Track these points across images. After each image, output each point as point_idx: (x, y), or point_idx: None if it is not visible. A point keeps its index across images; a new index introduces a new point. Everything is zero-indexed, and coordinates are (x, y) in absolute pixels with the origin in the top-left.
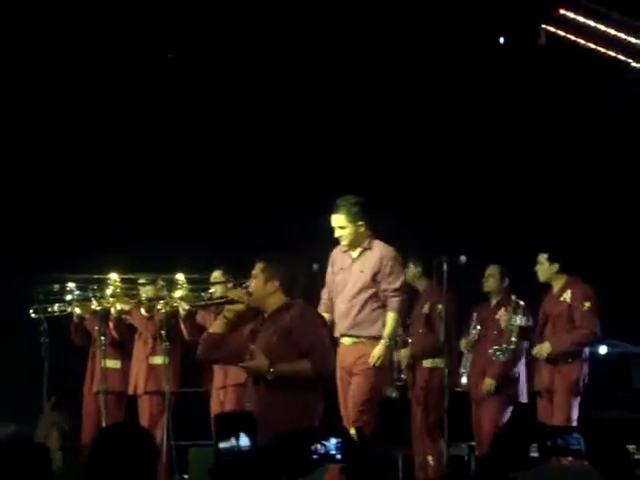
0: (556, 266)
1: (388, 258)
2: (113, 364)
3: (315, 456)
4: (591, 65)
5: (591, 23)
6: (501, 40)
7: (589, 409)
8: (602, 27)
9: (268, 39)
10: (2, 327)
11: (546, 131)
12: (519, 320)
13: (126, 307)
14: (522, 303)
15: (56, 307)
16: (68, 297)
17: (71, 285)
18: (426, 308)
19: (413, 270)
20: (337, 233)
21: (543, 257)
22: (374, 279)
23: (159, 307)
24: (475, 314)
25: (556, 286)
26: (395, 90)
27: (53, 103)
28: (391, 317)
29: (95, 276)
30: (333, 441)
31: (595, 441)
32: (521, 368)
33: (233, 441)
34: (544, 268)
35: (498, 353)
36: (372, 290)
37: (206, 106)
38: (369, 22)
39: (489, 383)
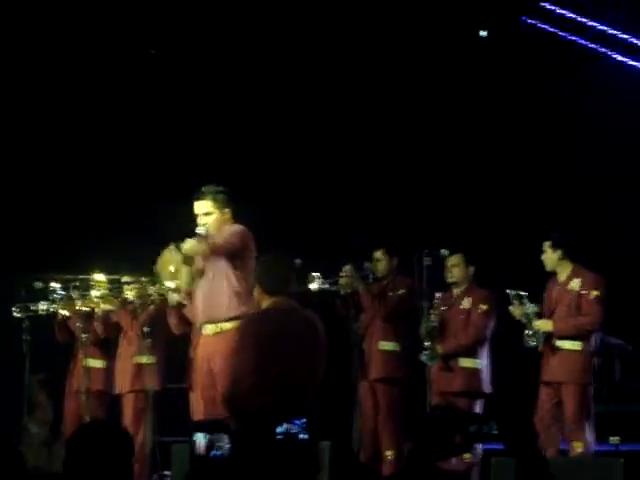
0: (559, 253)
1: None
2: (95, 363)
3: (280, 436)
4: (571, 57)
5: (571, 15)
6: (482, 33)
7: None
8: (582, 19)
9: None
10: None
11: (525, 122)
12: (531, 307)
13: (112, 307)
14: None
15: (40, 306)
16: (52, 297)
17: (54, 285)
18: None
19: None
20: (202, 220)
21: (547, 245)
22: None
23: (149, 302)
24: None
25: (563, 274)
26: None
27: (35, 104)
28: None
29: (80, 276)
30: (298, 421)
31: (508, 427)
32: (485, 360)
33: (210, 447)
34: (549, 256)
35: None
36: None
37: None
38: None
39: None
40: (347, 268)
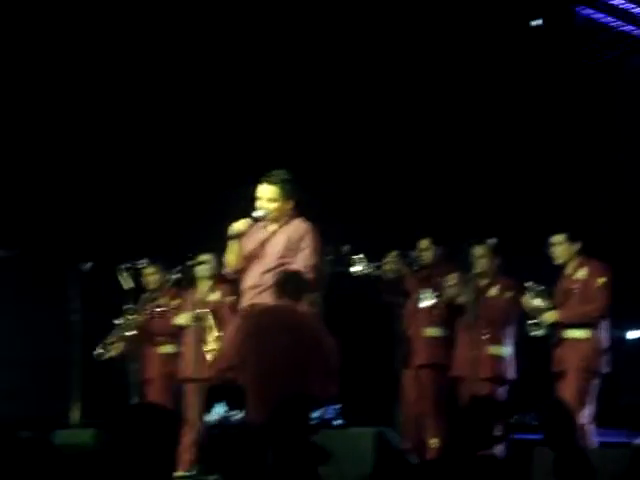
0: (575, 246)
1: (305, 232)
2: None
3: (314, 421)
4: (625, 47)
5: (626, 5)
6: (535, 23)
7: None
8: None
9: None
10: None
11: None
12: (545, 303)
13: None
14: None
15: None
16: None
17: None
18: None
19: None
20: (263, 204)
21: (560, 238)
22: (288, 254)
23: None
24: None
25: (570, 266)
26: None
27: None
28: None
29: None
30: (332, 407)
31: (548, 419)
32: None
33: (221, 415)
34: (562, 249)
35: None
36: (286, 265)
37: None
38: None
39: None
40: (392, 254)
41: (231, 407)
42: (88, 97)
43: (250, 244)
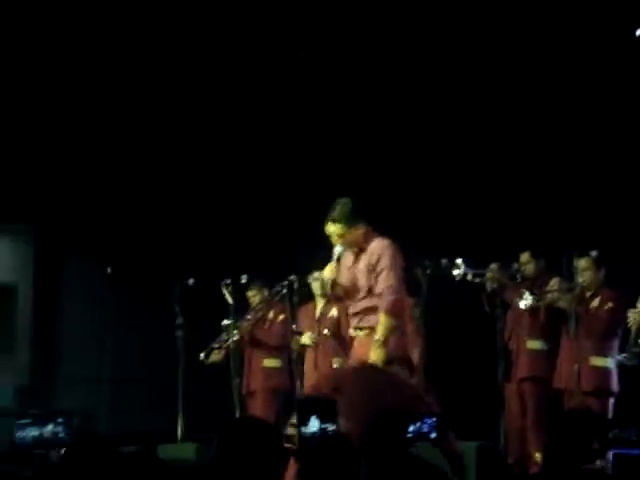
0: None
1: (381, 253)
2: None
3: (410, 434)
4: None
5: None
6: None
7: None
8: None
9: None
10: None
11: None
12: None
13: None
14: None
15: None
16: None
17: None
18: None
19: None
20: (334, 241)
21: None
22: (372, 278)
23: None
24: None
25: None
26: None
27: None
28: (382, 319)
29: None
30: (428, 420)
31: None
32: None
33: (316, 426)
34: None
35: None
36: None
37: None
38: None
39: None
40: (492, 267)
41: (324, 419)
42: (195, 120)
43: (343, 277)
